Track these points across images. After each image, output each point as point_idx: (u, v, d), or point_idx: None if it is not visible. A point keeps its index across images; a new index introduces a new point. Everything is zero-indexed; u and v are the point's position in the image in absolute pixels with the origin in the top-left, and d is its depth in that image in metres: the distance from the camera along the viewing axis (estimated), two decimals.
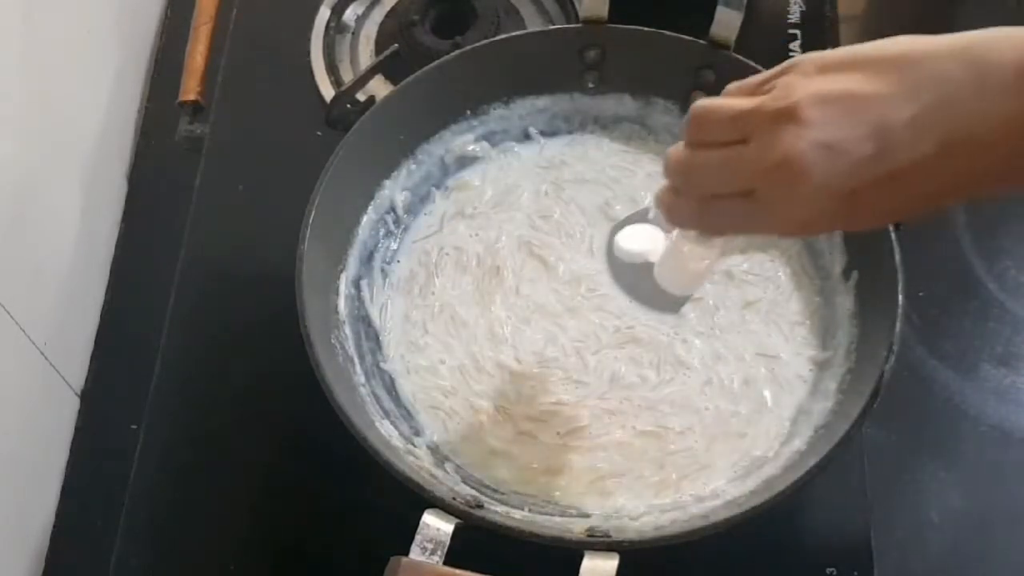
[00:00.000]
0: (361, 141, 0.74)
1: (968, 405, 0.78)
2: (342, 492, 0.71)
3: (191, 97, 0.89)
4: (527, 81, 0.80)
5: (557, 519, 0.66)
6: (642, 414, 0.70)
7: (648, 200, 0.77)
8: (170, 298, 0.80)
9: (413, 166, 0.78)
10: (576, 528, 0.64)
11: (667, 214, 0.56)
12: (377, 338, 0.74)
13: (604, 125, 0.82)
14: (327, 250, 0.72)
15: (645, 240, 0.63)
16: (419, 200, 0.79)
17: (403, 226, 0.78)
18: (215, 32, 0.92)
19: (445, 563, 0.55)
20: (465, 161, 0.81)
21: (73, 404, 0.81)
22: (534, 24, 0.92)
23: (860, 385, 0.66)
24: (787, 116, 0.48)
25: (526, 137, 0.82)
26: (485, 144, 0.81)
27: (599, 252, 0.76)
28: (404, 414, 0.71)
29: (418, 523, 0.56)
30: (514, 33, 0.84)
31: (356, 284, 0.74)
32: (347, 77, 0.89)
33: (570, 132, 0.82)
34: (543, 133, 0.82)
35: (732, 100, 0.52)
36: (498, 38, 0.81)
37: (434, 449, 0.69)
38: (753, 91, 0.52)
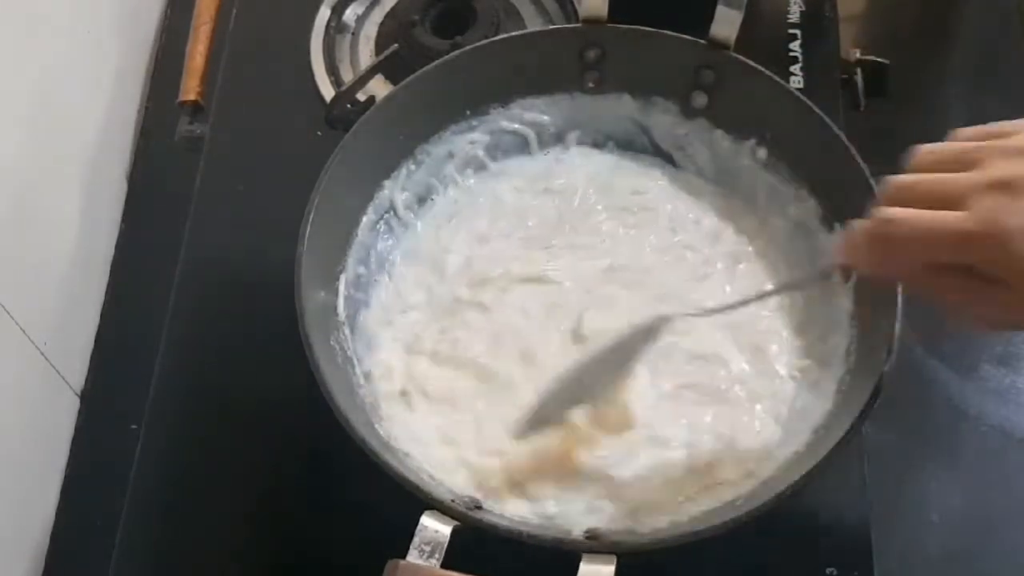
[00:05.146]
0: (361, 141, 0.73)
1: (968, 405, 0.78)
2: (341, 493, 0.71)
3: (191, 97, 0.89)
4: (527, 81, 0.79)
5: (556, 521, 0.65)
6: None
7: None
8: (170, 298, 0.80)
9: (413, 166, 0.78)
10: (574, 530, 0.64)
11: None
12: None
13: None
14: (327, 250, 0.72)
15: None
16: (419, 200, 0.79)
17: (403, 226, 0.78)
18: (215, 32, 0.92)
19: (443, 565, 0.55)
20: (465, 161, 0.80)
21: (73, 404, 0.81)
22: (534, 24, 0.92)
23: (860, 385, 0.65)
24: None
25: None
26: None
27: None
28: None
29: (416, 525, 0.56)
30: (514, 33, 0.84)
31: (356, 285, 0.74)
32: (347, 77, 0.89)
33: None
34: None
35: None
36: (498, 38, 0.81)
37: None
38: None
